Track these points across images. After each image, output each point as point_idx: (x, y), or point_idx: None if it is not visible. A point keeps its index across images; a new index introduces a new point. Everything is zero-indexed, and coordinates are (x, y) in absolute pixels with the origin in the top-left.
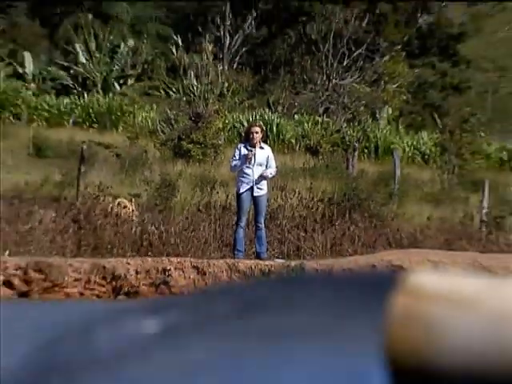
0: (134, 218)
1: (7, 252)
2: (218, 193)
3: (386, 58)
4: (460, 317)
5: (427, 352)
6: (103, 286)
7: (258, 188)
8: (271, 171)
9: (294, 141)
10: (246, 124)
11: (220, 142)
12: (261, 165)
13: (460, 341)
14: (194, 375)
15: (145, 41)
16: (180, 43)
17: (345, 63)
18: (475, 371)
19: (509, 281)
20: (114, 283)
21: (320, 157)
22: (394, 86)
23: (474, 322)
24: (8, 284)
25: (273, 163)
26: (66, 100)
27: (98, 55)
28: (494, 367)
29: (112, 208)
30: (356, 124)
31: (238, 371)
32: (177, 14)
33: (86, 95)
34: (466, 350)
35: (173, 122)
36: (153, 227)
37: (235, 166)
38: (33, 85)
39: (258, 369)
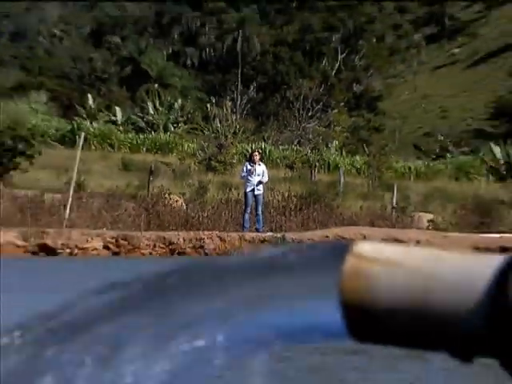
0: (182, 207)
1: (105, 228)
2: (232, 192)
3: (335, 111)
4: (390, 271)
5: (367, 296)
6: (163, 248)
7: (257, 189)
8: (265, 179)
9: (278, 160)
10: (249, 151)
11: (234, 161)
12: (259, 175)
13: (389, 288)
14: None
15: (189, 100)
16: (211, 102)
17: (310, 114)
18: (401, 308)
19: (420, 247)
20: (170, 247)
21: (294, 171)
22: (339, 128)
23: (400, 275)
24: (106, 247)
25: (266, 174)
26: (141, 136)
27: (160, 109)
28: (414, 305)
29: (168, 201)
30: (316, 151)
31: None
32: (208, 84)
33: (153, 133)
34: (394, 295)
35: (206, 149)
36: (193, 213)
37: (243, 176)
38: (121, 127)
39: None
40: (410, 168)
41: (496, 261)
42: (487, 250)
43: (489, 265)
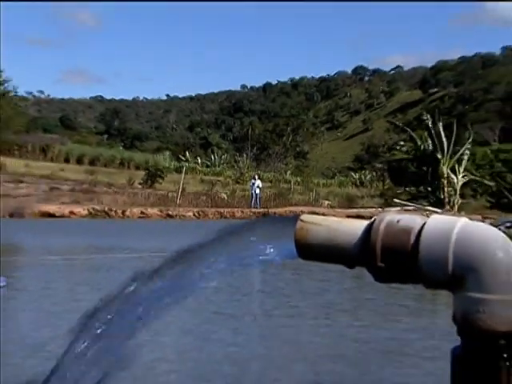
0: (225, 198)
1: (195, 210)
2: (246, 192)
3: (288, 158)
4: (317, 228)
5: (306, 239)
6: (217, 215)
7: (256, 190)
8: (260, 186)
9: (266, 179)
10: (253, 174)
11: (247, 179)
12: (258, 185)
13: (317, 236)
14: None
15: (228, 155)
16: (237, 155)
17: (278, 160)
18: (322, 245)
19: (327, 216)
20: (221, 215)
21: (272, 183)
22: (291, 165)
23: (322, 230)
24: (194, 215)
25: (261, 185)
26: (209, 169)
27: (217, 158)
28: (329, 243)
29: (220, 195)
30: (281, 175)
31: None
32: (236, 148)
33: (213, 168)
34: (319, 238)
35: (235, 174)
36: (230, 200)
37: (251, 185)
38: (200, 165)
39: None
40: (319, 182)
41: (365, 222)
42: (352, 217)
43: (362, 224)
